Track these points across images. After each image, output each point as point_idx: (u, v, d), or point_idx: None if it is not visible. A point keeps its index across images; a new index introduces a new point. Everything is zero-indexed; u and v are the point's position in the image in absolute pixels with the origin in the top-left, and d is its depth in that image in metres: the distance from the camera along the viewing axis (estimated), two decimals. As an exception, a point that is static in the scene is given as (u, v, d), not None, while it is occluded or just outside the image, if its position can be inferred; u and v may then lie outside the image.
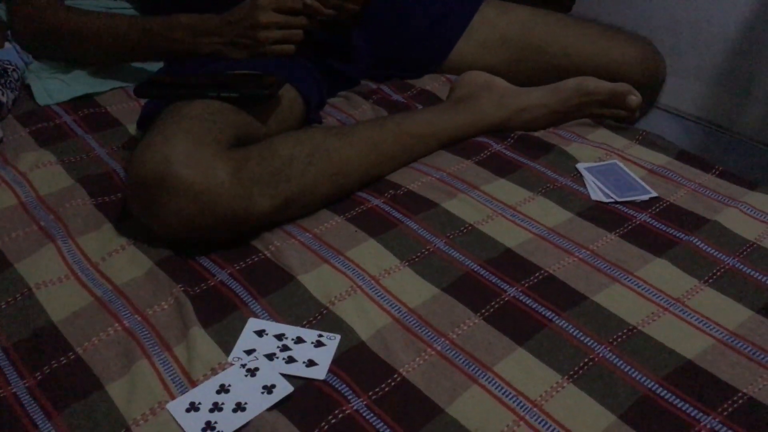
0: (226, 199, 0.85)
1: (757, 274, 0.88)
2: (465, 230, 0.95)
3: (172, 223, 0.85)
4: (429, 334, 0.80)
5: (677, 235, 0.94)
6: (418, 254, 0.91)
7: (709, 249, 0.92)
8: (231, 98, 0.97)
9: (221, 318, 0.80)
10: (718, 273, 0.88)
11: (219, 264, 0.88)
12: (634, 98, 1.15)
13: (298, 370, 0.74)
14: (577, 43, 1.27)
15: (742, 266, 0.89)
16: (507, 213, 0.99)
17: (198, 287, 0.84)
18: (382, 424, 0.69)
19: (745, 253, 0.91)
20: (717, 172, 1.08)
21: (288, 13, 1.07)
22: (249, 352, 0.76)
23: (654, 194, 1.02)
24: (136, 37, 1.14)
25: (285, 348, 0.76)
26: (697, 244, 0.92)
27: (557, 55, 1.28)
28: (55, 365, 0.74)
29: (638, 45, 1.27)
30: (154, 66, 1.25)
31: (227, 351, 0.76)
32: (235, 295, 0.83)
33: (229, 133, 0.92)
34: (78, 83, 1.24)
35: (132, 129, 1.14)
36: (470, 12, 1.34)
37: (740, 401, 0.72)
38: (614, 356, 0.77)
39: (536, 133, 1.17)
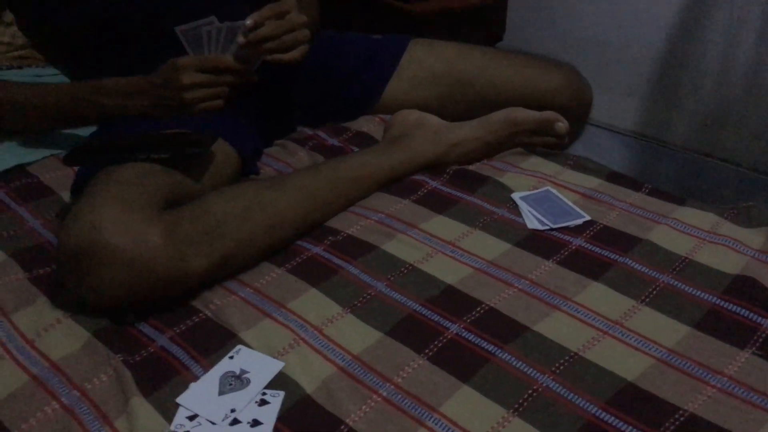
0: (161, 262, 0.84)
1: (691, 289, 0.90)
2: (405, 271, 0.96)
3: (105, 292, 0.84)
4: (374, 380, 0.80)
5: (612, 256, 0.96)
6: (360, 299, 0.91)
7: (643, 268, 0.94)
8: (162, 159, 0.97)
9: (162, 385, 0.79)
10: (654, 291, 0.90)
11: (158, 328, 0.87)
12: (562, 125, 1.18)
13: (244, 431, 0.73)
14: (503, 74, 1.30)
15: (676, 282, 0.91)
16: (446, 249, 0.99)
17: (138, 355, 0.83)
18: (330, 478, 0.69)
19: (678, 268, 0.93)
20: (646, 191, 1.10)
21: (211, 71, 1.07)
22: (191, 418, 0.74)
23: (587, 218, 1.04)
24: (63, 105, 1.13)
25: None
26: (632, 264, 0.94)
27: (486, 88, 1.30)
28: (-8, 451, 0.72)
29: (562, 72, 1.31)
30: (86, 131, 1.24)
31: (170, 418, 0.75)
32: (176, 360, 0.82)
33: (160, 196, 0.92)
34: (9, 154, 1.22)
35: (66, 196, 1.13)
36: (399, 51, 1.36)
37: (682, 418, 0.73)
38: (557, 385, 0.77)
39: (471, 167, 1.18)
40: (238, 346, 0.83)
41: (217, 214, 0.92)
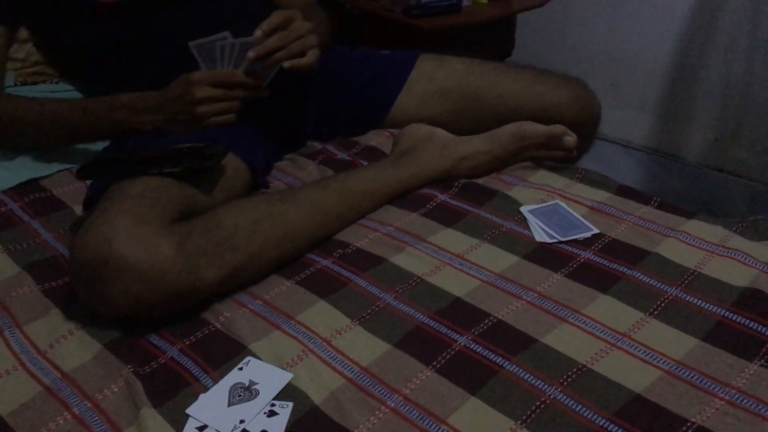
0: (172, 274, 0.85)
1: (700, 301, 0.90)
2: (414, 283, 0.96)
3: (118, 303, 0.85)
4: (382, 391, 0.80)
5: (620, 269, 0.96)
6: (369, 311, 0.91)
7: (652, 281, 0.94)
8: (174, 173, 0.98)
9: (173, 395, 0.80)
10: (662, 304, 0.90)
11: (169, 340, 0.88)
12: (570, 138, 1.19)
13: (252, 441, 0.74)
14: (512, 89, 1.31)
15: (684, 295, 0.91)
16: (455, 262, 1.00)
17: (148, 366, 0.84)
18: (338, 489, 0.69)
19: (686, 281, 0.94)
20: (655, 204, 1.11)
21: (223, 86, 1.08)
22: (201, 429, 0.75)
23: (596, 231, 1.04)
24: (76, 120, 1.15)
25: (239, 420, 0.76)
26: (640, 277, 0.94)
27: (494, 102, 1.31)
28: (4, 461, 0.73)
29: (570, 86, 1.31)
30: (99, 146, 1.26)
31: (179, 429, 0.76)
32: (186, 371, 0.83)
33: (172, 209, 0.93)
34: (23, 169, 1.24)
35: (79, 210, 1.14)
36: (408, 67, 1.37)
37: (690, 431, 0.73)
38: (565, 397, 0.78)
39: (479, 180, 1.19)
40: (248, 358, 0.84)
41: (228, 226, 0.93)
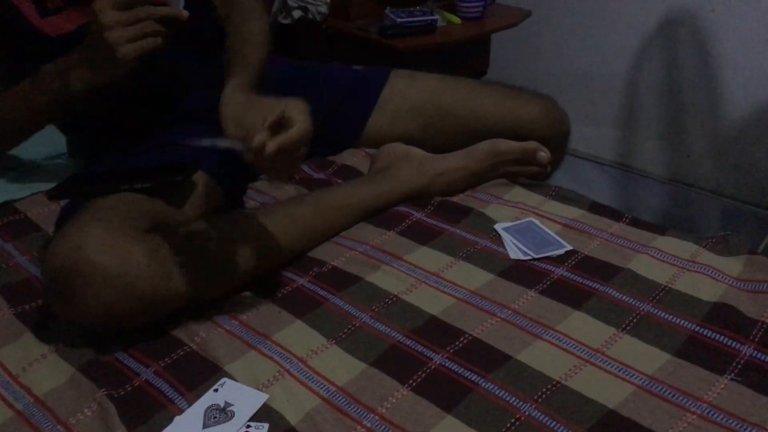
0: (144, 280, 0.85)
1: (671, 317, 0.91)
2: (390, 302, 0.96)
3: (91, 311, 0.84)
4: (358, 411, 0.80)
5: (593, 286, 0.97)
6: (345, 330, 0.92)
7: (624, 297, 0.95)
8: (144, 189, 0.98)
9: (147, 419, 0.79)
10: (634, 320, 0.91)
11: (143, 362, 0.87)
12: (543, 154, 1.20)
13: (228, 463, 0.74)
14: (484, 105, 1.32)
15: (656, 311, 0.92)
16: (430, 280, 1.01)
17: (122, 389, 0.83)
18: None
19: (658, 297, 0.95)
20: (627, 221, 1.12)
21: (131, 6, 0.97)
22: (175, 451, 0.75)
23: (569, 248, 1.05)
24: (20, 108, 1.07)
25: (213, 442, 0.76)
26: (612, 293, 0.96)
27: (466, 118, 1.32)
28: (-25, 488, 0.72)
29: (541, 102, 1.33)
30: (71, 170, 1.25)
31: (154, 452, 0.75)
32: (161, 393, 0.82)
33: (144, 221, 0.93)
34: (-2, 191, 1.23)
35: (52, 232, 1.13)
36: (380, 84, 1.38)
37: (662, 445, 0.74)
38: (540, 413, 0.78)
39: (455, 198, 1.20)
40: (223, 379, 0.84)
41: (201, 236, 0.93)
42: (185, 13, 1.01)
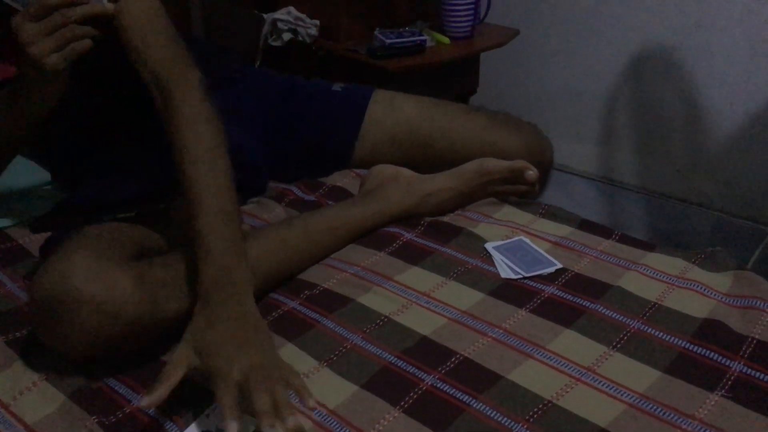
0: (131, 306, 0.85)
1: (661, 333, 0.91)
2: (381, 323, 0.97)
3: (78, 339, 0.84)
4: (350, 434, 0.80)
5: (583, 304, 0.98)
6: (336, 353, 0.92)
7: (614, 314, 0.95)
8: (128, 217, 0.98)
9: (138, 445, 0.79)
10: (625, 337, 0.91)
11: (134, 388, 0.87)
12: (532, 173, 1.21)
13: (219, 490, 0.73)
14: (463, 138, 1.32)
15: (646, 328, 0.93)
16: (421, 301, 1.01)
17: (113, 416, 0.83)
18: None
19: (648, 314, 0.95)
20: (617, 238, 1.13)
21: (47, 14, 0.92)
22: (167, 478, 0.74)
23: (559, 266, 1.06)
24: None
25: (205, 468, 0.76)
26: (603, 311, 0.96)
27: (445, 151, 1.32)
28: None
29: (522, 133, 1.33)
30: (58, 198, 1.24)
31: (145, 480, 0.75)
32: (152, 420, 0.82)
33: (130, 247, 0.93)
34: (-12, 218, 1.23)
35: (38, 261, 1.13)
36: (359, 113, 1.37)
37: (654, 463, 0.74)
38: (531, 434, 0.78)
39: (445, 218, 1.21)
40: (214, 404, 0.83)
41: (188, 259, 0.93)
42: (110, 7, 0.97)
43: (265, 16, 1.94)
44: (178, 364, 0.80)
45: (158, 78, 1.00)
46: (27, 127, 1.06)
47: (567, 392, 0.84)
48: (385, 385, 0.86)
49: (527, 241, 1.12)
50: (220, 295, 0.85)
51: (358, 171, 1.37)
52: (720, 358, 0.87)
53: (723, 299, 0.97)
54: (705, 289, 0.99)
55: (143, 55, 1.01)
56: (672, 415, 0.79)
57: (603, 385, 0.84)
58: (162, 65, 1.01)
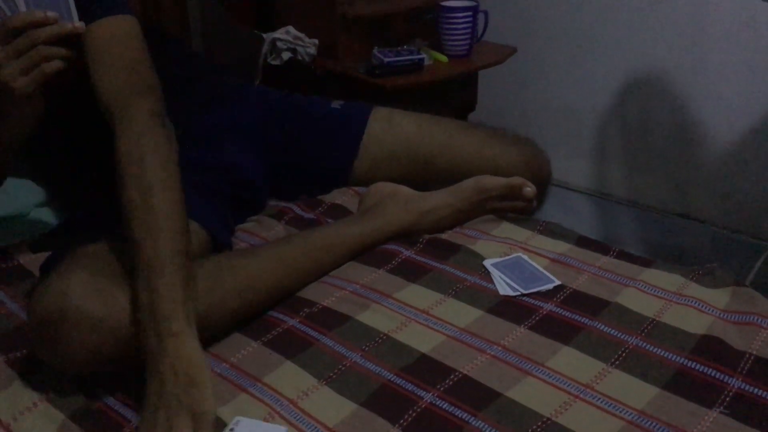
0: (130, 324, 0.85)
1: (659, 350, 0.92)
2: (380, 340, 0.97)
3: (77, 357, 0.84)
4: (349, 452, 0.80)
5: (582, 320, 0.98)
6: (335, 371, 0.92)
7: (613, 331, 0.96)
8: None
9: (138, 465, 0.79)
10: (623, 354, 0.92)
11: (133, 407, 0.87)
12: (529, 189, 1.22)
13: None
14: (462, 154, 1.33)
15: (644, 344, 0.93)
16: (420, 318, 1.01)
17: (113, 436, 0.83)
18: None
19: (646, 330, 0.95)
20: (614, 254, 1.13)
21: (15, 36, 0.91)
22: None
23: (557, 283, 1.06)
24: None
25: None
26: (601, 327, 0.96)
27: (444, 167, 1.33)
28: None
29: (521, 149, 1.34)
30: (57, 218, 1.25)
31: (144, 499, 0.75)
32: (152, 439, 0.82)
33: (127, 265, 0.93)
34: (-13, 236, 1.24)
35: (38, 278, 1.14)
36: (359, 131, 1.38)
37: (653, 481, 0.74)
38: (530, 451, 0.78)
39: (443, 235, 1.21)
40: (236, 418, 0.83)
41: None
42: (80, 26, 0.94)
43: (264, 35, 1.96)
44: None
45: (105, 107, 1.00)
46: (8, 148, 1.05)
47: (566, 409, 0.84)
48: (384, 403, 0.86)
49: (525, 257, 1.12)
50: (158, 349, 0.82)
51: (357, 188, 1.37)
52: (718, 374, 0.87)
53: (721, 315, 0.97)
54: (703, 306, 0.99)
55: (95, 82, 1.01)
56: (669, 431, 0.79)
57: (601, 402, 0.84)
58: (108, 95, 1.00)
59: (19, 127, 1.01)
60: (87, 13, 1.00)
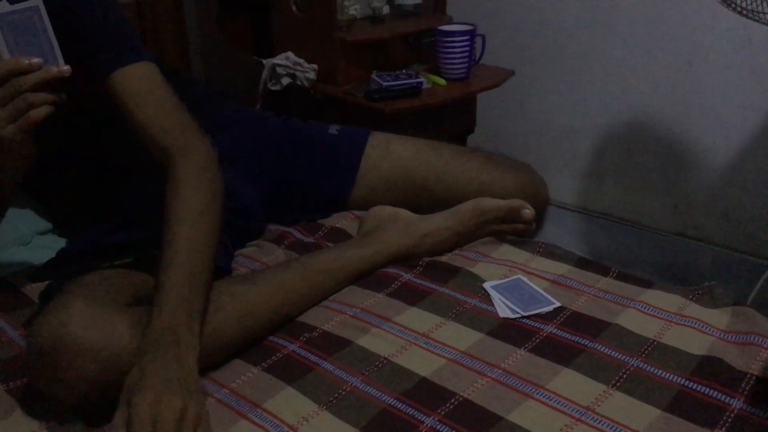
0: (129, 352, 0.86)
1: (660, 371, 0.91)
2: (380, 364, 0.97)
3: (76, 387, 0.84)
4: (350, 478, 0.80)
5: (582, 342, 0.98)
6: (336, 396, 0.92)
7: (613, 353, 0.95)
8: (124, 264, 0.99)
9: (137, 493, 0.78)
10: (624, 375, 0.91)
11: (133, 436, 0.87)
12: (528, 211, 1.22)
13: None
14: (459, 181, 1.33)
15: (645, 366, 0.93)
16: (420, 341, 1.01)
17: (113, 464, 0.83)
18: None
19: (646, 351, 0.95)
20: (614, 275, 1.13)
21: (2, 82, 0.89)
22: None
23: (557, 304, 1.06)
24: None
25: None
26: (601, 349, 0.96)
27: (441, 194, 1.33)
28: None
29: (517, 175, 1.34)
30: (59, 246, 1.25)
31: None
32: (152, 467, 0.82)
33: (126, 294, 0.94)
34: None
35: (37, 308, 1.14)
36: (356, 160, 1.39)
37: (656, 504, 0.73)
38: (532, 475, 0.78)
39: (443, 258, 1.21)
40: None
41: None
42: (66, 69, 0.91)
43: (264, 61, 1.97)
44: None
45: (160, 145, 1.03)
46: (4, 190, 1.05)
47: (567, 432, 0.83)
48: (385, 427, 0.86)
49: (525, 279, 1.12)
50: (159, 351, 0.86)
51: (356, 212, 1.38)
52: (719, 395, 0.87)
53: (721, 335, 0.97)
54: (703, 326, 0.99)
55: (146, 121, 1.04)
56: (673, 453, 0.79)
57: (603, 424, 0.84)
58: (164, 134, 1.04)
59: (13, 171, 1.01)
60: (119, 59, 1.05)
